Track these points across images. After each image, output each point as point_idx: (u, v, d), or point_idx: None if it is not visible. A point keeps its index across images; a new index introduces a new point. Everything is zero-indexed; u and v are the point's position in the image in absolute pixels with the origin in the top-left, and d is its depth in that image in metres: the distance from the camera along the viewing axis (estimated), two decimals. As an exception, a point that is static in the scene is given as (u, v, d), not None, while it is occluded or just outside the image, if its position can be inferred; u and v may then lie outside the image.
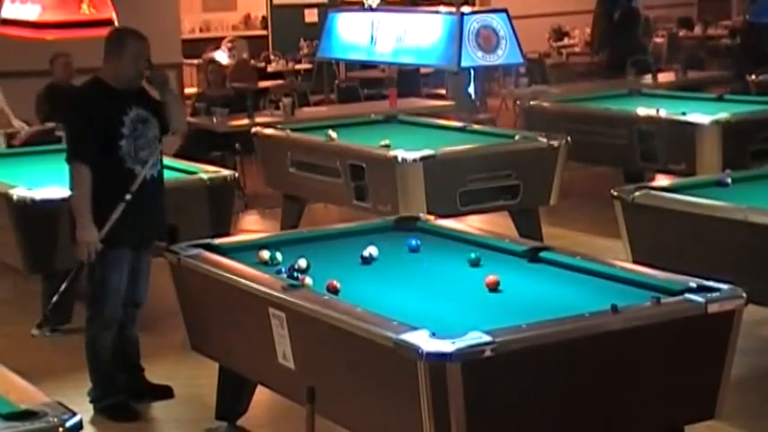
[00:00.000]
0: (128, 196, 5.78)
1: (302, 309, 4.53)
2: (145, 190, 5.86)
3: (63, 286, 5.92)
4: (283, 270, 5.02)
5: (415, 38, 11.89)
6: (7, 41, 8.17)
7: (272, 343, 4.74)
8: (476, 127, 9.51)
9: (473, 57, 11.24)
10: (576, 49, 17.60)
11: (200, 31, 17.96)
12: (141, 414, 5.96)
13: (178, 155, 9.61)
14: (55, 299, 6.00)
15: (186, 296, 5.55)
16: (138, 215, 5.83)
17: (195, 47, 15.14)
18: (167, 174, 7.79)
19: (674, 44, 17.07)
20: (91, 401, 5.95)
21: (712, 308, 4.29)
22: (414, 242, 5.48)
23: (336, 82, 14.98)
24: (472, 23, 11.27)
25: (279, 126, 9.73)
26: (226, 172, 7.70)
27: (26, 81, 9.84)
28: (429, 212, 6.55)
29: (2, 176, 7.69)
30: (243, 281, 4.93)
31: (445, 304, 4.67)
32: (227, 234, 7.04)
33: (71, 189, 5.87)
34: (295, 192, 9.19)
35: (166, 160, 8.22)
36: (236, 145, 10.76)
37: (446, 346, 3.86)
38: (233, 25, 18.28)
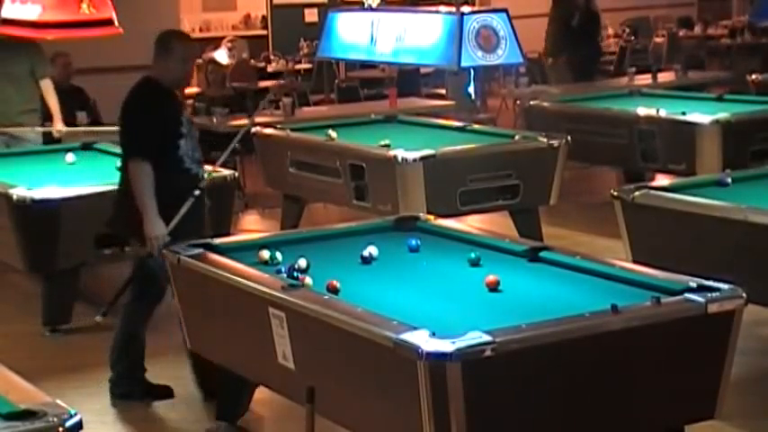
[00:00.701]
0: (197, 192, 5.96)
1: (302, 309, 4.53)
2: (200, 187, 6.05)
3: (128, 277, 6.19)
4: (283, 270, 5.01)
5: (415, 37, 11.89)
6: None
7: (272, 343, 4.73)
8: (476, 127, 9.51)
9: (473, 56, 11.23)
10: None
11: (200, 30, 17.95)
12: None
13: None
14: (121, 287, 6.25)
15: (186, 296, 5.55)
16: (198, 210, 6.02)
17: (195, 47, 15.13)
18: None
19: (674, 44, 17.07)
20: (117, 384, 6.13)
21: (712, 308, 4.29)
22: (414, 242, 5.48)
23: (336, 82, 14.98)
24: (472, 23, 11.27)
25: (279, 126, 9.73)
26: (226, 172, 7.70)
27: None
28: (429, 212, 6.55)
29: (2, 176, 7.69)
30: (243, 281, 4.93)
31: (445, 304, 4.67)
32: (227, 234, 7.03)
33: (130, 186, 5.92)
34: (295, 192, 9.19)
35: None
36: (236, 145, 10.74)
37: (446, 345, 3.85)
38: (233, 25, 18.29)
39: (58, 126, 8.98)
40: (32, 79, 9.33)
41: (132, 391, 6.13)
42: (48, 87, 9.07)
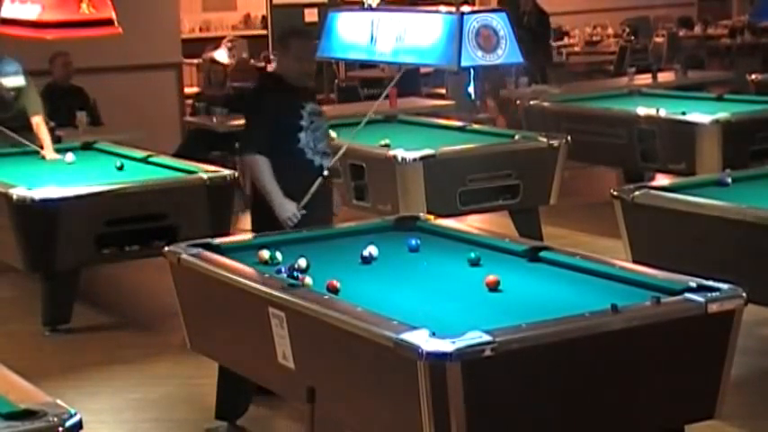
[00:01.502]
0: (326, 172, 6.11)
1: (302, 308, 4.53)
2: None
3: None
4: (283, 270, 5.01)
5: (414, 37, 11.87)
6: (7, 41, 8.19)
7: (272, 343, 4.73)
8: (476, 127, 9.52)
9: (473, 56, 11.22)
10: (576, 49, 17.61)
11: (200, 30, 17.95)
12: None
13: (178, 154, 9.61)
14: None
15: (186, 296, 5.55)
16: (316, 202, 6.11)
17: (195, 46, 15.14)
18: (166, 173, 7.85)
19: (674, 44, 17.07)
20: None
21: (712, 307, 4.29)
22: (414, 242, 5.48)
23: (336, 81, 14.96)
24: (472, 23, 11.26)
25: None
26: (225, 171, 7.70)
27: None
28: (429, 212, 6.55)
29: (2, 176, 7.68)
30: (242, 280, 4.93)
31: (445, 304, 4.67)
32: (227, 233, 7.04)
33: (253, 179, 6.18)
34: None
35: (166, 160, 8.29)
36: (237, 144, 10.75)
37: (446, 345, 3.85)
38: (233, 25, 18.28)
39: (48, 152, 8.81)
40: (19, 108, 9.10)
41: None
42: (39, 124, 8.85)
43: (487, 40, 10.37)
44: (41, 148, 8.65)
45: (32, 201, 7.05)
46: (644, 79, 12.58)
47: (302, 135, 6.12)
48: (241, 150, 6.23)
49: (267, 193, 6.08)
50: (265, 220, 6.09)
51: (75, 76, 10.89)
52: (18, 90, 8.74)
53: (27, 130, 8.74)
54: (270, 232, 5.86)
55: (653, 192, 6.50)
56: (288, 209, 6.05)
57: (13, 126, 8.72)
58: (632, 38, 17.51)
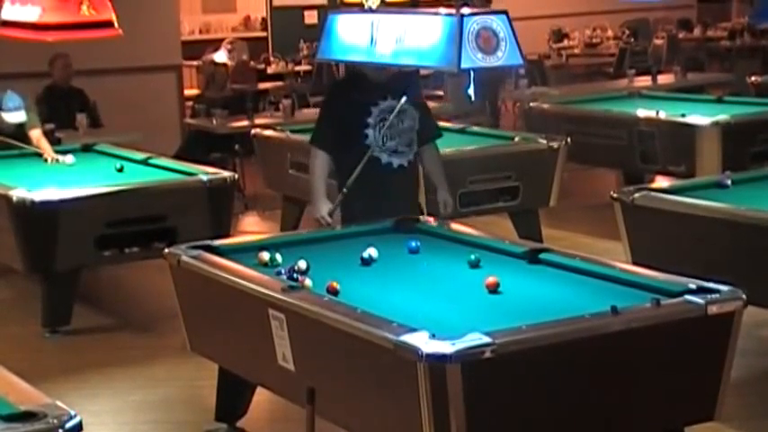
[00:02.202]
0: (345, 189, 6.02)
1: (302, 310, 4.53)
2: (390, 178, 6.12)
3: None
4: (283, 271, 5.01)
5: (414, 39, 11.86)
6: (6, 43, 8.20)
7: (272, 344, 4.73)
8: (475, 128, 9.51)
9: (473, 58, 11.20)
10: (576, 51, 17.64)
11: (200, 32, 17.96)
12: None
13: (178, 156, 9.61)
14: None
15: (186, 297, 5.55)
16: (378, 200, 6.05)
17: (195, 48, 15.15)
18: (166, 175, 7.85)
19: (673, 46, 17.09)
20: None
21: (712, 309, 4.29)
22: (413, 243, 5.48)
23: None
24: (472, 25, 11.25)
25: (278, 127, 9.73)
26: (225, 173, 7.70)
27: (26, 82, 9.85)
28: (429, 214, 6.56)
29: (2, 177, 7.68)
30: (242, 282, 4.93)
31: (445, 305, 4.67)
32: (227, 235, 7.04)
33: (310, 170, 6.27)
34: (295, 193, 9.17)
35: (165, 162, 8.30)
36: (236, 146, 10.77)
37: (446, 347, 3.85)
38: (233, 27, 18.29)
39: (50, 155, 8.77)
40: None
41: None
42: (37, 138, 8.77)
43: (487, 41, 10.35)
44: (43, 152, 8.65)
45: (32, 202, 7.04)
46: (644, 81, 12.59)
47: (369, 132, 6.11)
48: (310, 141, 6.33)
49: (311, 186, 6.15)
50: (353, 208, 6.07)
51: (76, 77, 10.90)
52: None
53: (25, 135, 8.74)
54: (271, 234, 5.86)
55: (653, 194, 6.50)
56: (320, 209, 6.08)
57: (12, 135, 8.73)
58: (632, 40, 17.54)
